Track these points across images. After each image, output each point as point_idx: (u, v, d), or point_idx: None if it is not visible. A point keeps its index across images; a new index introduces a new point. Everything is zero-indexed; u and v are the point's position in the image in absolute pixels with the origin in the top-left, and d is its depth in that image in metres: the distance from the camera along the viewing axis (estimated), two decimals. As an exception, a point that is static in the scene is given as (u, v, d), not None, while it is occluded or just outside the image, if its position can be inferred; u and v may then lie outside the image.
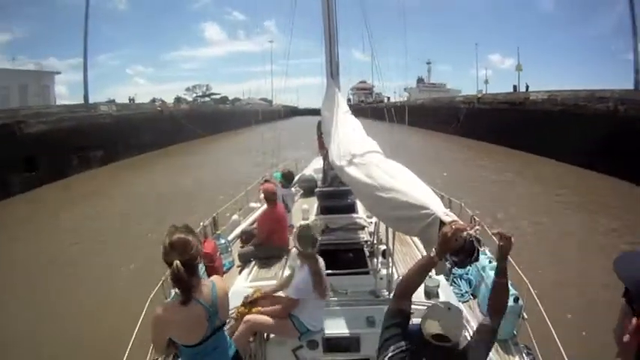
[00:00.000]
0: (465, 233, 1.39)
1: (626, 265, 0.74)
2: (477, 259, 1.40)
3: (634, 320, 0.66)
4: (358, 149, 2.76)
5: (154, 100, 33.61)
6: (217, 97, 57.61)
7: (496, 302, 1.63)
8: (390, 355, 1.42)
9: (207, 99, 56.52)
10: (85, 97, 25.88)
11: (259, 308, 2.91)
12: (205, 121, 35.89)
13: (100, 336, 5.13)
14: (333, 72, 5.36)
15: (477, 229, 1.38)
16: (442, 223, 1.55)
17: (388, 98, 48.91)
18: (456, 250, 1.41)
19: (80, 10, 27.07)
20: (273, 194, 4.70)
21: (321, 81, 5.30)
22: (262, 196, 4.95)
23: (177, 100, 37.09)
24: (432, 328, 1.49)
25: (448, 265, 1.60)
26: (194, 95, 58.42)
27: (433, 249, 1.47)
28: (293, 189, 6.21)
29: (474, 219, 4.69)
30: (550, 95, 22.32)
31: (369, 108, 38.67)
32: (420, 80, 71.43)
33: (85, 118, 19.94)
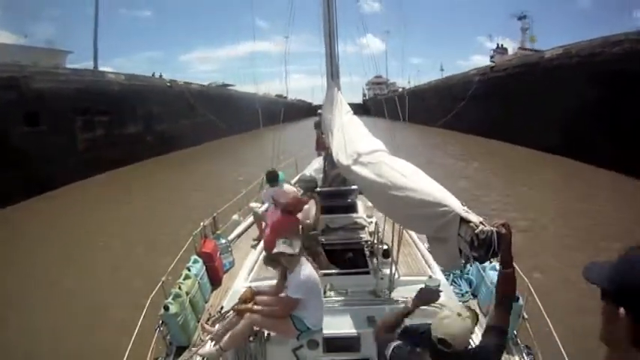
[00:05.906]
0: (487, 227, 1.40)
1: (594, 270, 0.77)
2: (496, 255, 1.41)
3: (621, 310, 0.66)
4: (364, 148, 2.75)
5: (161, 76, 30.17)
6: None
7: (504, 290, 1.59)
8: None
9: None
10: (95, 64, 25.70)
11: (258, 307, 2.88)
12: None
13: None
14: (333, 72, 5.37)
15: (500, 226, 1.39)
16: (462, 220, 1.55)
17: (403, 88, 45.80)
18: (475, 246, 1.42)
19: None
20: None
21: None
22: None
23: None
24: (440, 331, 1.48)
25: (463, 261, 1.60)
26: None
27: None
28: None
29: None
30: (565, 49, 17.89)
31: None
32: (499, 50, 42.32)
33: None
